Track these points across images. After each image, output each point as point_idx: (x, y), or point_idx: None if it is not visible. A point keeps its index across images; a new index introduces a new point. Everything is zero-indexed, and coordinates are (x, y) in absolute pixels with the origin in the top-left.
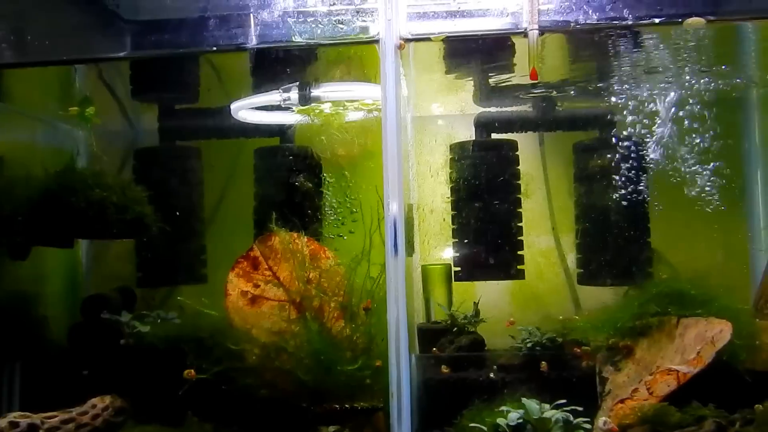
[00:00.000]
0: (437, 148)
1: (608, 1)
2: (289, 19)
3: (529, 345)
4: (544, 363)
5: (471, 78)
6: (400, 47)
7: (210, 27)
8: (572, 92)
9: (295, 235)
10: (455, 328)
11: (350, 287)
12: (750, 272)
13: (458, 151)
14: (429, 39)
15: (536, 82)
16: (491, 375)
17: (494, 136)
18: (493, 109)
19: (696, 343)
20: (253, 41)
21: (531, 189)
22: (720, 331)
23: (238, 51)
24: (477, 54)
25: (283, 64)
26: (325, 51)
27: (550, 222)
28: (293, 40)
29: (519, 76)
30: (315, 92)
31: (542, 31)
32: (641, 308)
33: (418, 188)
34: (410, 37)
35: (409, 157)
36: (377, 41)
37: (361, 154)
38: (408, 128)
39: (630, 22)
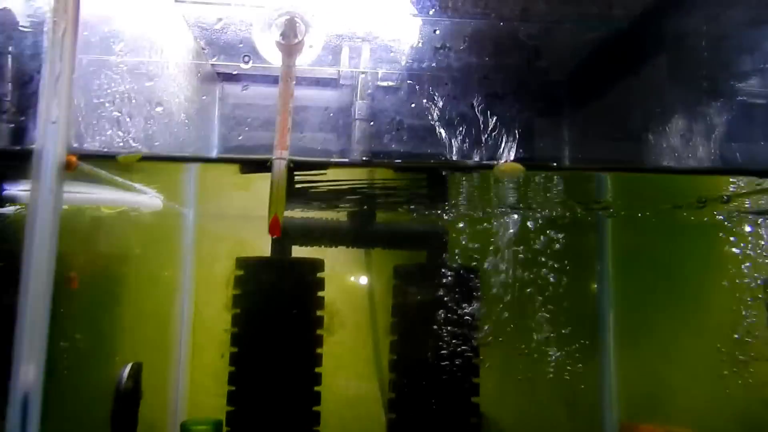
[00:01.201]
0: (225, 258)
1: (391, 131)
2: None
3: None
4: None
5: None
6: (69, 167)
7: None
8: (396, 204)
9: None
10: None
11: None
12: None
13: (246, 268)
14: (113, 158)
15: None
16: None
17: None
18: (297, 215)
19: None
20: None
21: (338, 322)
22: None
23: None
24: None
25: None
26: None
27: (375, 366)
28: None
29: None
30: None
31: (294, 163)
32: None
33: (195, 311)
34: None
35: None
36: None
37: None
38: (188, 230)
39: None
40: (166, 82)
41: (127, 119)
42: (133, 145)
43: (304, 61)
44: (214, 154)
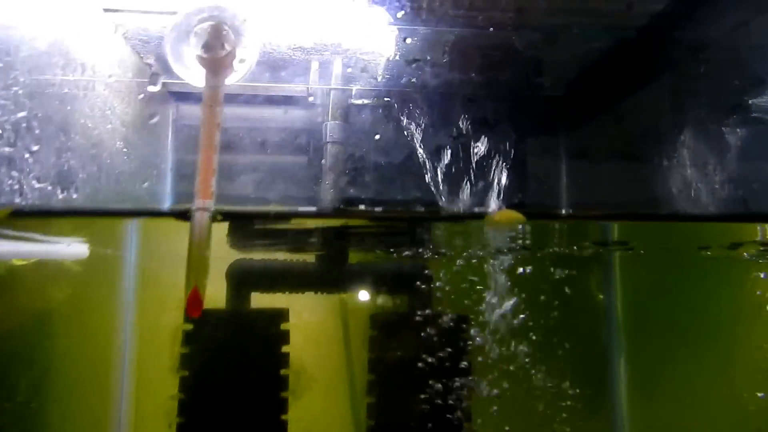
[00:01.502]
0: (171, 309)
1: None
2: None
3: None
4: None
5: None
6: None
7: None
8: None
9: None
10: None
11: None
12: None
13: (196, 321)
14: None
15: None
16: None
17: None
18: (256, 257)
19: None
20: None
21: (306, 383)
22: None
23: None
24: None
25: None
26: None
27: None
28: None
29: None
30: None
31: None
32: None
33: (136, 375)
34: None
35: (125, 320)
36: None
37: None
38: (129, 277)
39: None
40: (91, 105)
41: (26, 155)
42: (37, 186)
43: (233, 80)
44: (167, 184)
